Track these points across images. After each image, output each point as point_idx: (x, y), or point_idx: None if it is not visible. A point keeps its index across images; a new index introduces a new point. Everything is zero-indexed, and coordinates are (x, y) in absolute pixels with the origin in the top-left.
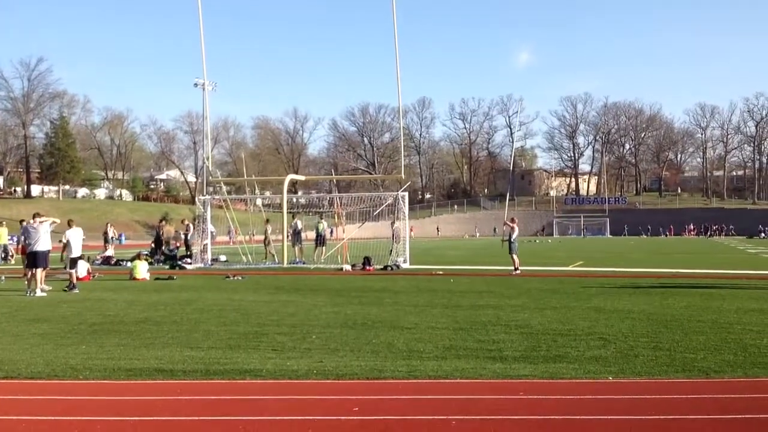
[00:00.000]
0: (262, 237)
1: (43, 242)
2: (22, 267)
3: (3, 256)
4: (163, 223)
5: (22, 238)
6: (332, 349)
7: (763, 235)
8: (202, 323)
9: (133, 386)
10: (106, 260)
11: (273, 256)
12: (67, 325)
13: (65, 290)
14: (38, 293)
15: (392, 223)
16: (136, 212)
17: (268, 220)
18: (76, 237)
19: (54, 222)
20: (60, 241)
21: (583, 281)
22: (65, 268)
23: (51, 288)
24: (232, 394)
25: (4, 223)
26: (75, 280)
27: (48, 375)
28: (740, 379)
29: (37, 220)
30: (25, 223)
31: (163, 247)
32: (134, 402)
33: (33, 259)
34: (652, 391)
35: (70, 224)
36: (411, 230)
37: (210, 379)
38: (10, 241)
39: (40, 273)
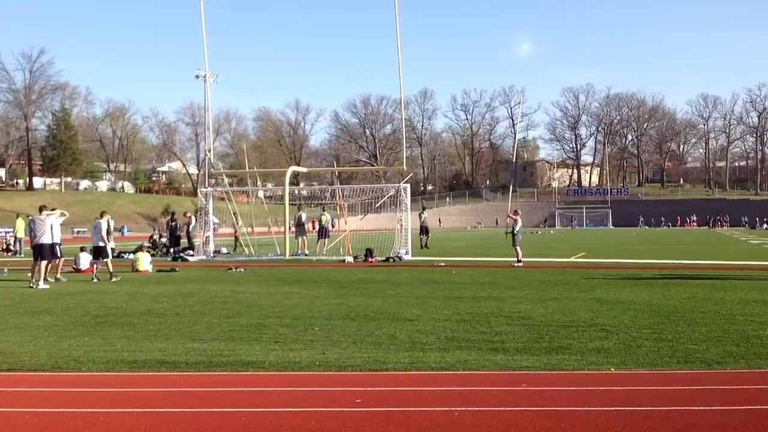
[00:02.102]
0: (233, 230)
1: (48, 235)
2: (22, 259)
3: (17, 249)
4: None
5: (28, 230)
6: (335, 341)
7: (765, 226)
8: (205, 315)
9: (136, 378)
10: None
11: (243, 249)
12: (70, 317)
13: (110, 281)
14: (41, 285)
15: (420, 214)
16: (138, 204)
17: (235, 213)
18: (101, 228)
19: (63, 214)
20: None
21: (585, 272)
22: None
23: (53, 280)
24: (234, 386)
25: (20, 216)
26: (110, 269)
27: (51, 367)
28: (743, 370)
29: (44, 212)
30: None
31: (164, 239)
32: (137, 394)
33: (38, 251)
34: (654, 383)
35: (102, 215)
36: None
37: (212, 370)
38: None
39: (44, 265)
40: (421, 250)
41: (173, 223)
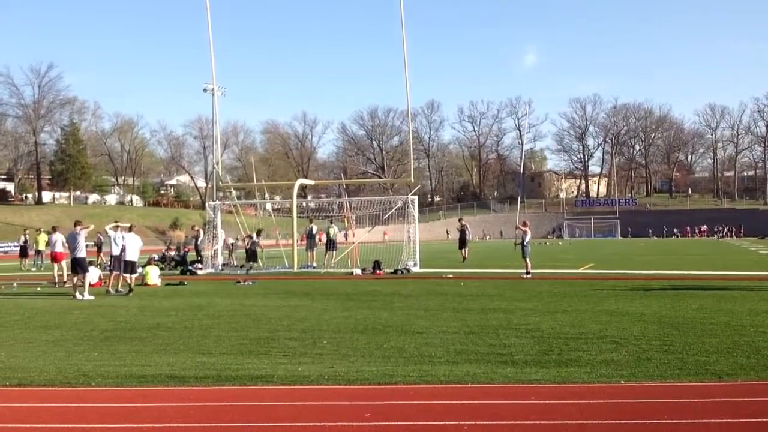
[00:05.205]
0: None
1: (83, 249)
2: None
3: (39, 262)
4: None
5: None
6: (343, 354)
7: None
8: (214, 329)
9: (145, 393)
10: None
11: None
12: (79, 332)
13: (127, 294)
14: (78, 297)
15: (461, 227)
16: (147, 218)
17: (197, 226)
18: (132, 242)
19: (87, 227)
20: (94, 243)
21: (594, 284)
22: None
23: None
24: (243, 400)
25: (42, 230)
26: (130, 282)
27: (60, 382)
28: (753, 382)
29: (78, 227)
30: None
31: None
32: (146, 409)
33: (74, 265)
34: (664, 395)
35: (131, 229)
36: (386, 234)
37: (221, 385)
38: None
39: (86, 277)
40: (463, 264)
41: (254, 239)
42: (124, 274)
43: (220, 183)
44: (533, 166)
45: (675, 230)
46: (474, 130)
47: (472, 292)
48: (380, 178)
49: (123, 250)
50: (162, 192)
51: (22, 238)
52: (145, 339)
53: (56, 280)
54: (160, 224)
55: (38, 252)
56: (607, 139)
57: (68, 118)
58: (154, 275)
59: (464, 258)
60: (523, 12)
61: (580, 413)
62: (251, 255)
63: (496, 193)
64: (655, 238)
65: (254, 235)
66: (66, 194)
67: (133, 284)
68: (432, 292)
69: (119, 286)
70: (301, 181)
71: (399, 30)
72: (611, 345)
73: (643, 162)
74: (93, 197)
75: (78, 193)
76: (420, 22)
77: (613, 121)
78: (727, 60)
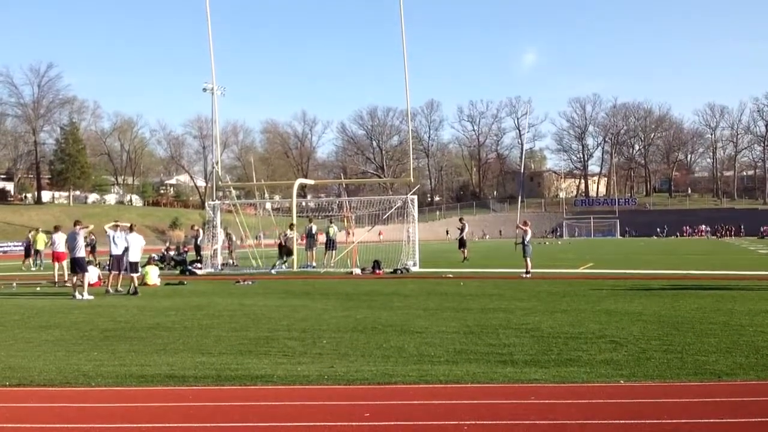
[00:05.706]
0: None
1: (82, 248)
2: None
3: (38, 262)
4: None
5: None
6: (343, 354)
7: None
8: (213, 329)
9: (145, 393)
10: None
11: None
12: (79, 332)
13: (131, 294)
14: (77, 296)
15: (461, 226)
16: (147, 217)
17: (197, 225)
18: (135, 242)
19: (86, 226)
20: (87, 243)
21: (594, 283)
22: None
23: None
24: (243, 400)
25: (41, 229)
26: (136, 283)
27: (60, 382)
28: (752, 382)
29: (78, 227)
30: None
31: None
32: (146, 409)
33: (73, 265)
34: (664, 395)
35: (132, 228)
36: (381, 234)
37: (221, 385)
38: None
39: (85, 277)
40: (464, 264)
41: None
42: (131, 274)
43: (220, 182)
44: (533, 166)
45: (659, 229)
46: (473, 130)
47: (471, 291)
48: (380, 177)
49: (126, 249)
50: (161, 191)
51: (27, 238)
52: (144, 339)
53: (56, 280)
54: (160, 224)
55: (37, 252)
56: (606, 139)
57: (68, 117)
58: (153, 275)
59: (464, 258)
60: (523, 12)
61: (580, 413)
62: (286, 250)
63: (495, 192)
64: (654, 237)
65: (288, 231)
66: (65, 194)
67: (136, 284)
68: (431, 291)
69: (119, 285)
70: (301, 180)
71: (398, 30)
72: (611, 344)
73: (643, 161)
74: (92, 197)
75: (77, 192)
76: (420, 22)
77: (612, 121)
78: (727, 60)
